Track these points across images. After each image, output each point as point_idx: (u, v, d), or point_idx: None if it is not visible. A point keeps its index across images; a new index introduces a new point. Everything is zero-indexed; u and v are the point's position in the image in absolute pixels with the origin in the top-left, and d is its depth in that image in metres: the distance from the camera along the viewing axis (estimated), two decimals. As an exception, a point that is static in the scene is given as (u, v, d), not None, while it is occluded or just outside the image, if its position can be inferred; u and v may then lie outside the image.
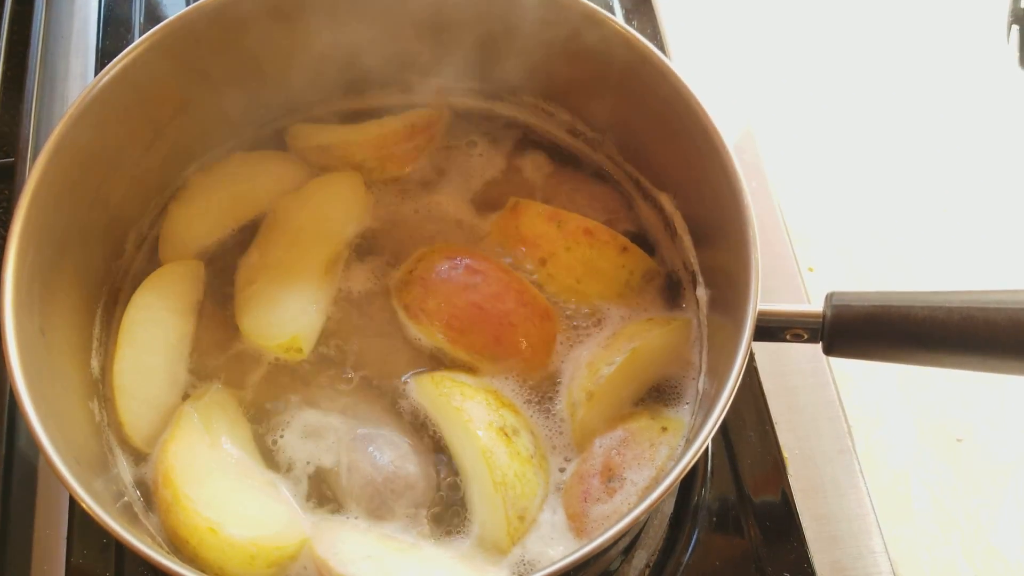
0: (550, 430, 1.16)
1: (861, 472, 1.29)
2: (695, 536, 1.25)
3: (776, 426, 1.31)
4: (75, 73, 1.61)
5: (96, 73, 1.58)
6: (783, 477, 1.28)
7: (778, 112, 1.66)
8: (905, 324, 0.96)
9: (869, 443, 1.35)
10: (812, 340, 1.03)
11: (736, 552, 1.24)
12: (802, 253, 1.49)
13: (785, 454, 1.30)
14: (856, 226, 1.57)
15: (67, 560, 1.19)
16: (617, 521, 0.90)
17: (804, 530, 1.24)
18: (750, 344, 0.95)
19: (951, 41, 1.75)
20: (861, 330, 0.99)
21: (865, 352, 1.01)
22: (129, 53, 1.12)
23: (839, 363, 1.39)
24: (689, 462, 0.91)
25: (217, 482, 1.08)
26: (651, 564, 1.23)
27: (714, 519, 1.25)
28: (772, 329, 1.01)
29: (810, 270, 1.50)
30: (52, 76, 1.58)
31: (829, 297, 1.01)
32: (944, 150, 1.63)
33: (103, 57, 1.61)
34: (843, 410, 1.34)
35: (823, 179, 1.61)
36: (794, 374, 1.36)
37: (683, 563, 1.23)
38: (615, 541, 0.91)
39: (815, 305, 1.01)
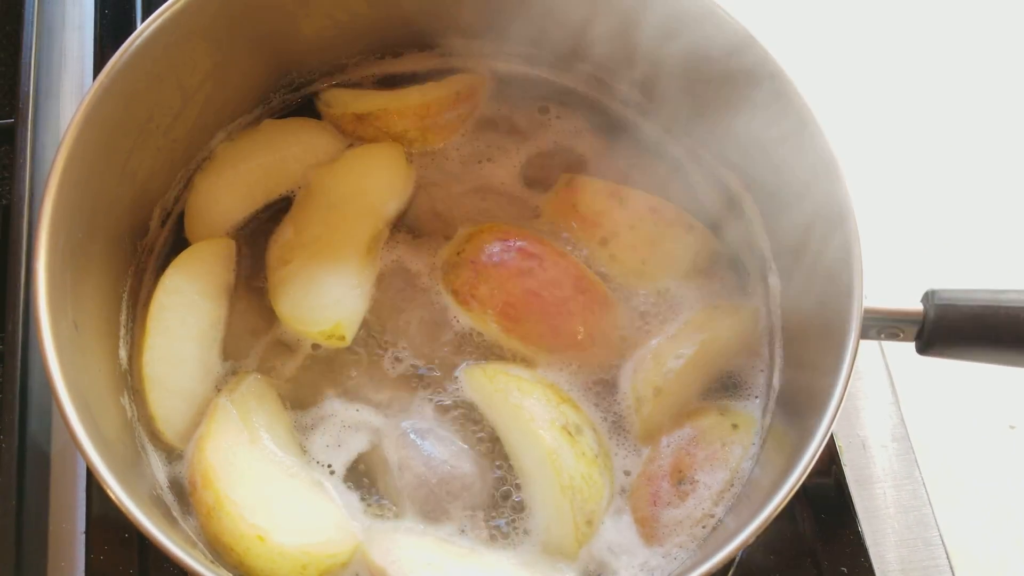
0: (612, 427, 1.09)
1: (917, 461, 1.25)
2: (748, 528, 1.20)
3: (829, 413, 1.27)
4: (72, 24, 1.49)
5: (96, 21, 1.48)
6: (837, 466, 1.24)
7: (836, 76, 1.57)
8: (1015, 326, 0.90)
9: (921, 430, 1.30)
10: (907, 339, 0.96)
11: (791, 545, 1.19)
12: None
13: (839, 442, 1.25)
14: (910, 201, 1.50)
15: (87, 556, 1.12)
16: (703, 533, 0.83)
17: (859, 522, 1.21)
18: (857, 346, 0.88)
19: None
20: (965, 331, 0.92)
21: (965, 353, 0.95)
22: (161, 15, 1.01)
23: (891, 348, 1.33)
24: (800, 476, 0.84)
25: (261, 483, 1.01)
26: (703, 558, 1.18)
27: (767, 511, 1.20)
28: (865, 327, 0.94)
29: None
30: (50, 27, 1.46)
31: (930, 295, 0.94)
32: (1008, 127, 1.57)
33: (102, 5, 1.49)
34: (896, 397, 1.29)
35: (882, 153, 1.53)
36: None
37: (736, 558, 1.18)
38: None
39: (914, 303, 0.95)
